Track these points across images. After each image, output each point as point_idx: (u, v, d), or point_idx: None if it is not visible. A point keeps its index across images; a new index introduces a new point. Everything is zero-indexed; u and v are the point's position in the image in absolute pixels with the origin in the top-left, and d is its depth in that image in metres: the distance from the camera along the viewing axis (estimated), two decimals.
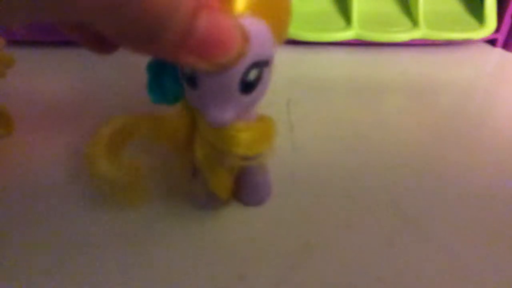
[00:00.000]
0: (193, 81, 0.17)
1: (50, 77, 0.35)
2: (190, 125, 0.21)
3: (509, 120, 0.33)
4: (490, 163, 0.28)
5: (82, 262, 0.22)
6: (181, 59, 0.15)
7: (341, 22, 0.40)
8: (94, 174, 0.20)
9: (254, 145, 0.19)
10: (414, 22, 0.40)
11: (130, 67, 0.35)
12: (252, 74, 0.17)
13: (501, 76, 0.39)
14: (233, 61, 0.16)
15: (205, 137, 0.20)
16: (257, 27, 0.16)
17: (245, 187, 0.24)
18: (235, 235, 0.23)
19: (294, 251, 0.23)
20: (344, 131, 0.31)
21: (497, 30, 0.41)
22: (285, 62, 0.38)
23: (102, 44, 0.19)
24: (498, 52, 0.42)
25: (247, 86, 0.17)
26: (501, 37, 0.42)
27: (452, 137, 0.31)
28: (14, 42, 0.35)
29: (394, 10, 0.42)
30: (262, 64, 0.17)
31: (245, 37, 0.16)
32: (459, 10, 0.43)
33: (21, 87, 0.34)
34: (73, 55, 0.37)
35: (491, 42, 0.43)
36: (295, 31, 0.39)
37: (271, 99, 0.22)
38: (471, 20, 0.42)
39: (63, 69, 0.36)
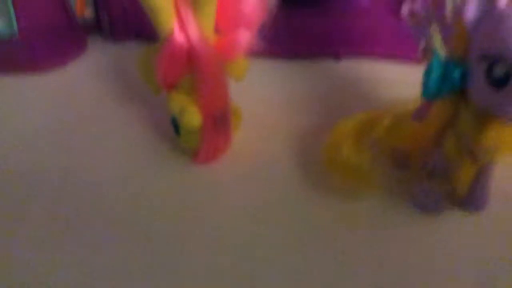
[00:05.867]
0: (504, 81, 0.18)
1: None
2: (442, 124, 0.21)
3: None
4: None
5: None
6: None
7: None
8: (337, 158, 0.22)
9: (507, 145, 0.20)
10: None
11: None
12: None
13: None
14: None
15: (464, 133, 0.21)
16: None
17: (476, 189, 0.24)
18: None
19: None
20: None
21: None
22: None
23: None
24: None
25: None
26: None
27: None
28: None
29: None
30: None
31: None
32: None
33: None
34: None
35: None
36: None
37: None
38: None
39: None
